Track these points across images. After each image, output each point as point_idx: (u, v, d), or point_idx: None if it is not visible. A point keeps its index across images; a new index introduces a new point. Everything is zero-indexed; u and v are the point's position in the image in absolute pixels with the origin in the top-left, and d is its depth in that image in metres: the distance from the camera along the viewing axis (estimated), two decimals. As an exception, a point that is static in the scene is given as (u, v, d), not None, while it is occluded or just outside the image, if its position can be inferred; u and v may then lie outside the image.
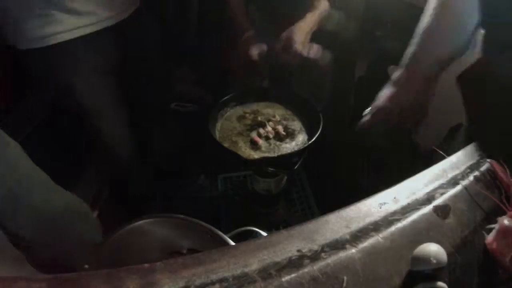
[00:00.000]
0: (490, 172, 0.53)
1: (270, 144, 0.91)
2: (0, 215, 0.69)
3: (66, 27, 0.89)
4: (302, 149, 0.88)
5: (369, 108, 0.80)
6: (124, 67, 1.07)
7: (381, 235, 0.43)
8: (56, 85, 0.95)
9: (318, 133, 0.87)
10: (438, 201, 0.48)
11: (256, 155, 0.88)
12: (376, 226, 0.44)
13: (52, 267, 0.77)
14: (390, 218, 0.45)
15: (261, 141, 0.91)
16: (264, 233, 0.76)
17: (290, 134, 0.94)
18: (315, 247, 0.42)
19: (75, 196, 0.92)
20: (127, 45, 1.05)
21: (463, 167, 0.54)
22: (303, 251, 0.41)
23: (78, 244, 0.78)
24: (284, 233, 0.44)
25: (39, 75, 0.97)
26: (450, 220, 0.46)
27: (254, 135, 0.93)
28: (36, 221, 0.76)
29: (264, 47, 1.07)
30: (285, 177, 1.02)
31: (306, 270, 0.39)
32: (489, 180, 0.52)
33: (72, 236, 0.83)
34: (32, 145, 0.82)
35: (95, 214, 1.16)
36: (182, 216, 0.68)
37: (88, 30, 0.93)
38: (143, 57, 1.11)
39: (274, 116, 0.98)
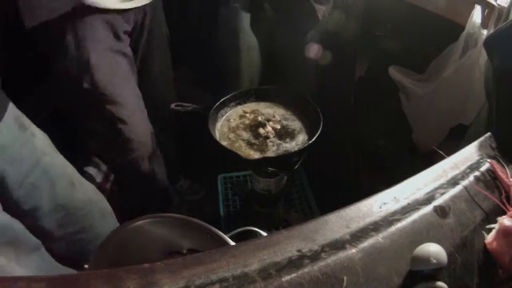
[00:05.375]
0: (490, 172, 0.53)
1: (270, 144, 0.91)
2: (22, 208, 0.69)
3: None
4: (302, 149, 0.88)
5: None
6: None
7: (381, 235, 0.43)
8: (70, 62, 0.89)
9: (318, 133, 0.87)
10: (438, 201, 0.48)
11: (256, 155, 0.88)
12: (376, 226, 0.44)
13: (68, 261, 0.77)
14: (390, 218, 0.45)
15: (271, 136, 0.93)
16: (264, 233, 0.75)
17: (290, 134, 0.94)
18: (315, 247, 0.42)
19: (99, 192, 0.92)
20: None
21: (463, 167, 0.54)
22: (303, 251, 0.41)
23: (95, 240, 0.78)
24: (284, 233, 0.43)
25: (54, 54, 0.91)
26: (450, 220, 0.46)
27: (258, 131, 0.94)
28: (57, 215, 0.76)
29: None
30: (285, 177, 1.02)
31: (306, 270, 0.39)
32: (489, 180, 0.52)
33: (90, 231, 0.83)
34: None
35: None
36: (182, 216, 0.67)
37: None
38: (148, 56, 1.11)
39: (274, 116, 0.98)
